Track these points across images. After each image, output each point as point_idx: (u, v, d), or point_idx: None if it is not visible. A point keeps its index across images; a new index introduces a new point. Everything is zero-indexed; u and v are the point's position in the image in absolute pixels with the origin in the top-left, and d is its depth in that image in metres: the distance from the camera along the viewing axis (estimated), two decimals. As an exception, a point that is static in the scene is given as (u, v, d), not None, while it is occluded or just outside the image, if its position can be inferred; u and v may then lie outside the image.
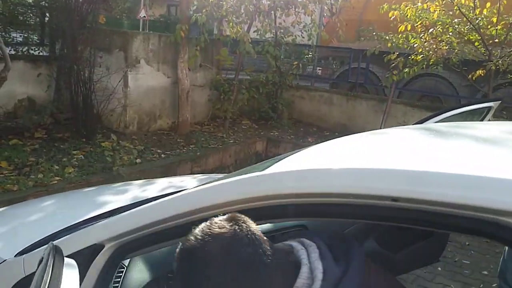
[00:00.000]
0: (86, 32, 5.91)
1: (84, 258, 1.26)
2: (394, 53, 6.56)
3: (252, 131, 7.86)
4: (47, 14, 6.96)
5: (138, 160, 5.54)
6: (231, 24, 7.22)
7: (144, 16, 12.98)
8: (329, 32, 8.73)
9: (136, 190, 2.25)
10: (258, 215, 1.07)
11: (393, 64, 6.56)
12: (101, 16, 6.33)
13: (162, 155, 5.87)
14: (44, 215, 1.97)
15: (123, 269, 1.45)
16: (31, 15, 7.00)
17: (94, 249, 1.25)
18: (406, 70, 6.35)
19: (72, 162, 5.11)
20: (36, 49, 6.80)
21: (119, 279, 1.42)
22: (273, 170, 1.11)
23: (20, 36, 6.85)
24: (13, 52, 6.47)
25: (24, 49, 6.68)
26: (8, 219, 1.96)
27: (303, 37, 8.38)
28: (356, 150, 1.30)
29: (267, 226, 1.98)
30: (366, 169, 0.98)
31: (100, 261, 1.26)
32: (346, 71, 9.60)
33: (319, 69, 11.64)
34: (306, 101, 8.95)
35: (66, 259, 0.99)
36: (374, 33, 6.95)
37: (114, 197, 2.10)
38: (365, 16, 9.48)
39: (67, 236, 1.34)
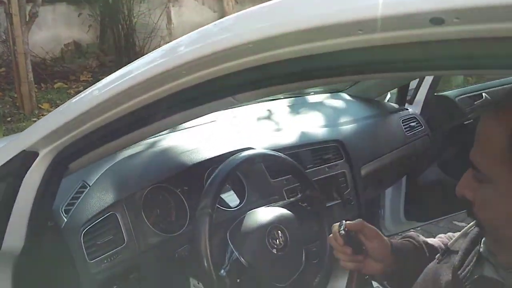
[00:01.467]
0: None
1: (15, 168, 0.98)
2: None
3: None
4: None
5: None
6: None
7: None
8: None
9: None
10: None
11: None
12: None
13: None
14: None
15: (85, 189, 1.18)
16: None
17: (25, 157, 0.97)
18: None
19: (114, 101, 4.98)
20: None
21: (77, 199, 1.15)
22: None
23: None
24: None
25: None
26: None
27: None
28: None
29: (295, 139, 1.62)
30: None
31: (36, 170, 0.98)
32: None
33: None
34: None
35: None
36: None
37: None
38: None
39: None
